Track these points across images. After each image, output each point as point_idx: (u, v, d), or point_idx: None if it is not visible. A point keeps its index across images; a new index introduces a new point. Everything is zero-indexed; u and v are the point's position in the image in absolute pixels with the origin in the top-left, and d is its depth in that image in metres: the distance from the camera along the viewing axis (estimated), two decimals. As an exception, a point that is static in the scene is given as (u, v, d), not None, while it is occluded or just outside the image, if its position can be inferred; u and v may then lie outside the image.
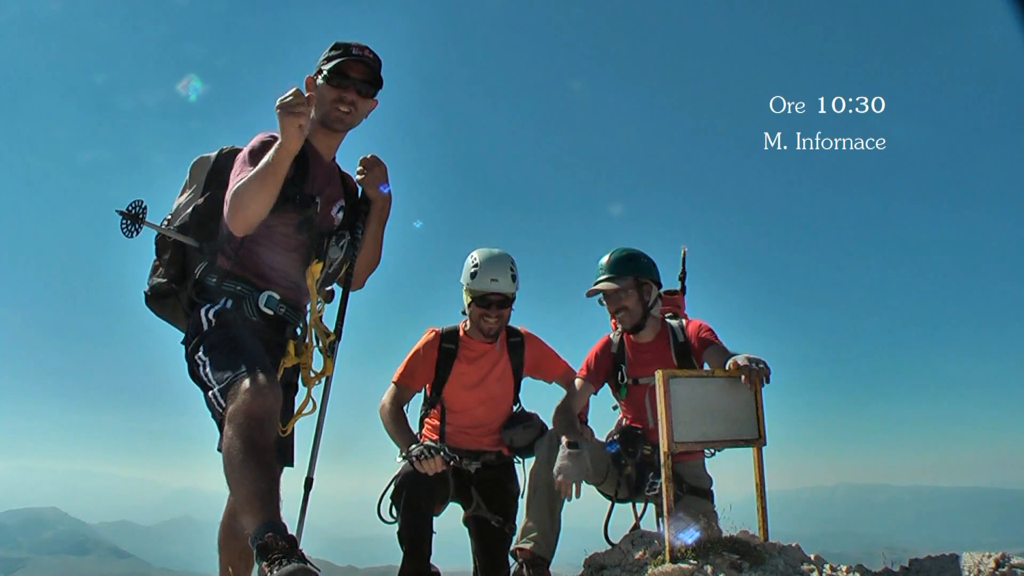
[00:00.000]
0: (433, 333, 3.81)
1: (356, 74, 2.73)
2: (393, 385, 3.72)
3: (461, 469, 3.61)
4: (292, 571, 1.90)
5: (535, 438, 3.61)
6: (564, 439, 3.30)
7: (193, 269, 2.73)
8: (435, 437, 3.64)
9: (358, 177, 3.02)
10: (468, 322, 3.75)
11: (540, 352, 3.88)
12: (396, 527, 3.42)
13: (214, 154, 2.85)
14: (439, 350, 3.72)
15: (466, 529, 3.73)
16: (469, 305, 3.67)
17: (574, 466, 3.17)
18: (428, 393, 3.78)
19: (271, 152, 2.40)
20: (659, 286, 3.79)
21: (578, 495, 3.20)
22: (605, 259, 3.74)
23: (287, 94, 2.35)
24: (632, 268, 3.68)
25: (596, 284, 3.72)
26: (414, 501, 3.35)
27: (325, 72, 2.71)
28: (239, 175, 2.55)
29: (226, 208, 2.53)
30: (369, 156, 3.03)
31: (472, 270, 3.63)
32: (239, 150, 2.71)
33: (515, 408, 3.83)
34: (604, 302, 3.76)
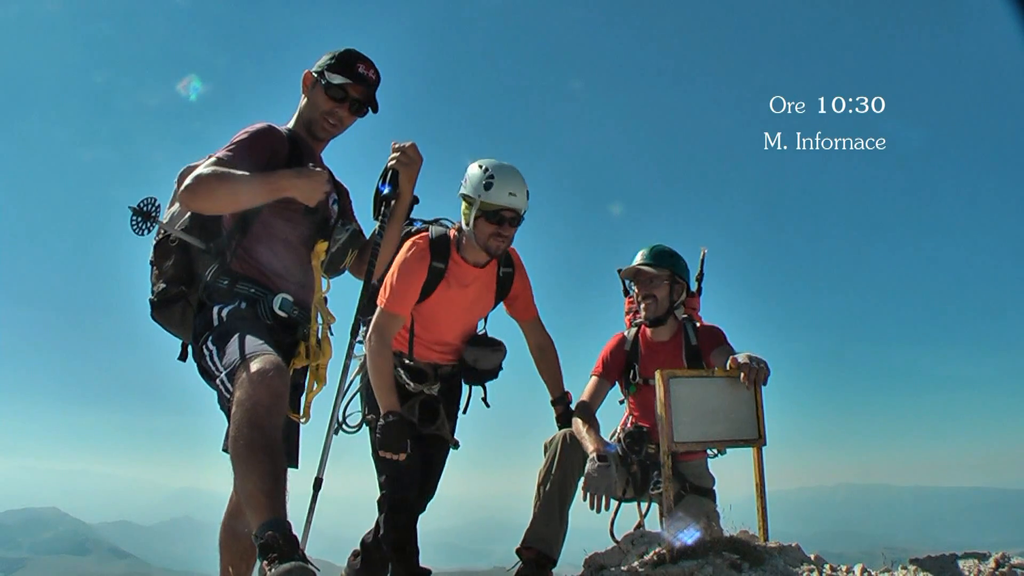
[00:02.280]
0: (420, 247, 3.31)
1: (355, 93, 2.81)
2: (382, 312, 3.28)
3: (426, 395, 3.50)
4: (289, 569, 1.91)
5: (497, 365, 3.53)
6: (593, 451, 3.18)
7: (200, 271, 2.73)
8: (403, 350, 3.47)
9: (395, 163, 2.93)
10: (466, 239, 3.32)
11: (524, 289, 3.60)
12: (382, 533, 3.37)
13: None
14: (429, 270, 3.30)
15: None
16: (477, 219, 3.21)
17: (604, 479, 3.09)
18: None
19: (284, 178, 2.56)
20: (688, 291, 3.78)
21: (607, 508, 3.14)
22: (645, 249, 3.74)
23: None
24: (671, 263, 3.70)
25: (635, 264, 3.70)
26: (398, 505, 3.35)
27: (326, 83, 2.78)
28: (232, 158, 2.56)
29: (197, 181, 2.48)
30: (408, 144, 2.94)
31: (487, 180, 3.17)
32: None
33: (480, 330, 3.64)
34: (634, 286, 3.74)
